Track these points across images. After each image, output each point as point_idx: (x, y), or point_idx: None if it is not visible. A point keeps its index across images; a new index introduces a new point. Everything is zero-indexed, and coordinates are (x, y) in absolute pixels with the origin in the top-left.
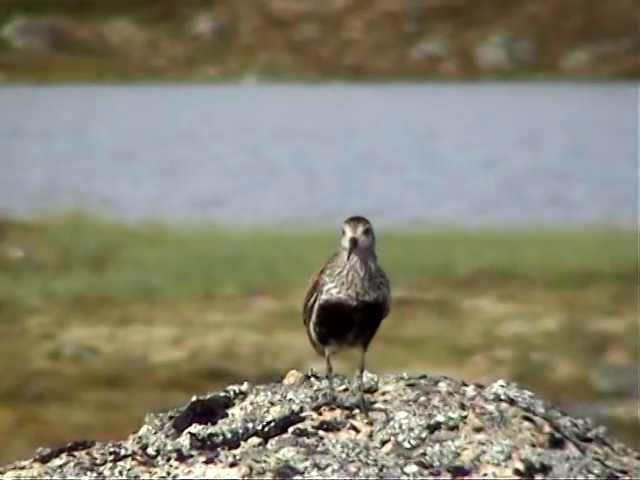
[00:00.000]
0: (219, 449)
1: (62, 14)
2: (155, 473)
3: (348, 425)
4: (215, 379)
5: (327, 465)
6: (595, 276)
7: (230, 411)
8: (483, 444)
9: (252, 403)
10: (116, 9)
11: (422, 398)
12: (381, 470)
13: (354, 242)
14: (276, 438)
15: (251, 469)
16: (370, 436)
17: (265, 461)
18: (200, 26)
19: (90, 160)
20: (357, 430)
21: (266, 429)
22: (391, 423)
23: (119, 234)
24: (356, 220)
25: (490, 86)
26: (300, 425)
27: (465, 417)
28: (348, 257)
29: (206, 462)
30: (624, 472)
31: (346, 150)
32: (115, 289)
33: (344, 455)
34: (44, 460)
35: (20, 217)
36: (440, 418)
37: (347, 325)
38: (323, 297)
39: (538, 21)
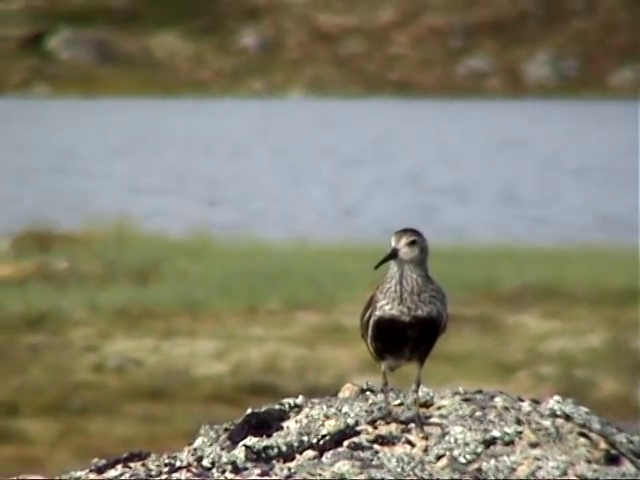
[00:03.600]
0: (274, 462)
1: (108, 26)
2: None
3: (403, 439)
4: (258, 393)
5: (382, 479)
6: (639, 294)
7: (285, 424)
8: (539, 459)
9: (307, 416)
10: (162, 22)
11: (478, 413)
12: None
13: (393, 252)
14: (331, 451)
15: None
16: (425, 450)
17: (320, 474)
18: (246, 39)
19: (136, 174)
20: (412, 444)
21: (321, 442)
22: (446, 438)
23: (163, 247)
24: (403, 232)
25: (535, 103)
26: (355, 439)
27: (521, 432)
28: (377, 265)
29: (261, 474)
30: None
31: (391, 166)
32: (159, 302)
33: (399, 469)
34: (100, 471)
35: (65, 228)
36: (496, 433)
37: (402, 341)
38: (377, 313)
39: (584, 38)
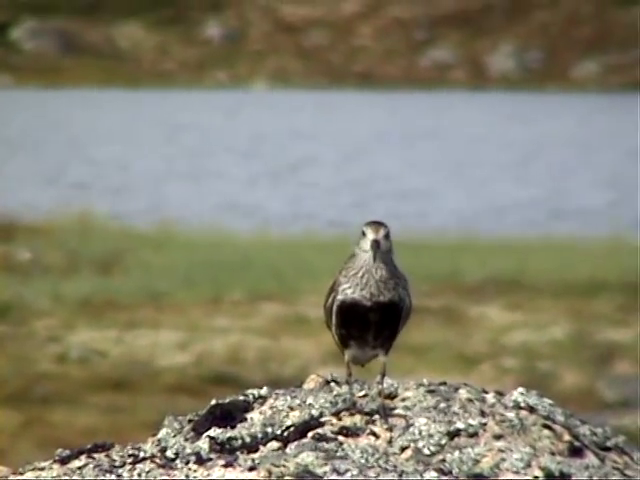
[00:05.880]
0: (238, 453)
1: (71, 17)
2: (174, 476)
3: (368, 431)
4: (221, 384)
5: (346, 470)
6: (602, 286)
7: (249, 415)
8: (503, 451)
9: (271, 407)
10: (126, 12)
11: (442, 404)
12: (400, 476)
13: (377, 244)
14: (295, 443)
15: (270, 473)
16: (390, 442)
17: (284, 465)
18: (210, 30)
19: (100, 165)
20: (377, 436)
21: (285, 434)
22: (411, 429)
23: (127, 238)
24: (378, 224)
25: (499, 95)
26: (319, 430)
27: (485, 424)
28: (374, 259)
29: (225, 466)
30: None
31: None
32: (122, 293)
33: (363, 460)
34: (63, 461)
35: (28, 219)
36: (460, 425)
37: (364, 325)
38: (339, 297)
39: (548, 30)
